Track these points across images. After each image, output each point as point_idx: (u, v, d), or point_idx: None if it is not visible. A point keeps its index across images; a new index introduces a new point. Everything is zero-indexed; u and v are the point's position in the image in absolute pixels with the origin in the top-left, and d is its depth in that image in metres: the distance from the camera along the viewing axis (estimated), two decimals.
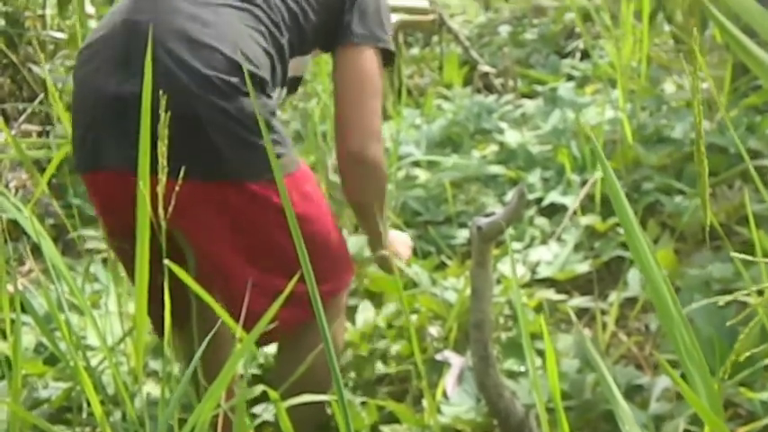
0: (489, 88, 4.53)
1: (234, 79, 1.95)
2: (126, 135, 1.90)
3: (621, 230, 2.69)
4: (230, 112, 1.95)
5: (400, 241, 2.67)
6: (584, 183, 3.00)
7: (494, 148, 3.47)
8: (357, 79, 2.31)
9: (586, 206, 2.91)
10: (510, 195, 2.86)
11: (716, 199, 2.76)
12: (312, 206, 2.19)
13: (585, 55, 4.87)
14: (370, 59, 2.32)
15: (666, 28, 4.56)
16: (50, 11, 4.08)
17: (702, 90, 3.65)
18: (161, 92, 1.42)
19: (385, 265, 2.53)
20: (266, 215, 2.06)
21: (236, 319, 1.66)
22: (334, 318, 2.30)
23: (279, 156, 2.05)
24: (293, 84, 2.37)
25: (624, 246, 2.67)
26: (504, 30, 6.09)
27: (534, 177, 3.13)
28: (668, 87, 3.97)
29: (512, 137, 3.45)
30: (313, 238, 2.05)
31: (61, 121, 2.43)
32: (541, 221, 3.01)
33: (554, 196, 2.97)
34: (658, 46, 4.59)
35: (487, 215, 2.43)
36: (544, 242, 2.93)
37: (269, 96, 2.09)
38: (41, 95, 3.70)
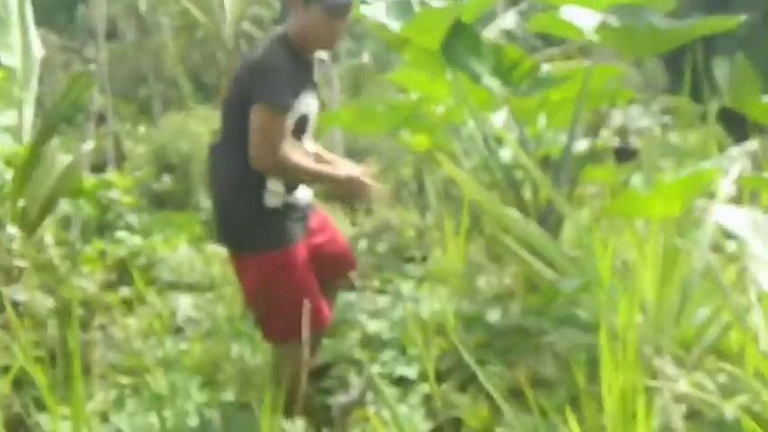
0: (352, 287, 4.38)
1: None
2: None
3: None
4: None
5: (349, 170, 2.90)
6: (423, 357, 3.02)
7: (356, 335, 3.48)
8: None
9: (428, 374, 2.91)
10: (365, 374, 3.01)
11: (518, 367, 2.88)
12: (276, 279, 2.75)
13: (424, 259, 4.92)
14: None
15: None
16: (16, 245, 3.78)
17: (507, 285, 3.80)
18: None
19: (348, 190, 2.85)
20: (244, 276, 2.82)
21: None
22: (287, 354, 2.77)
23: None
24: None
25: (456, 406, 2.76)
26: (363, 244, 6.04)
27: (386, 356, 3.15)
28: (482, 283, 4.03)
29: (369, 326, 3.47)
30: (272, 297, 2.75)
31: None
32: (391, 391, 2.99)
33: (401, 369, 3.01)
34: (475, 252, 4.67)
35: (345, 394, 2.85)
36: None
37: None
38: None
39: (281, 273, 2.76)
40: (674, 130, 5.51)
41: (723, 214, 2.57)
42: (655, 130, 6.77)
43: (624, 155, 9.23)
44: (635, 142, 10.73)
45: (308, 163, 2.80)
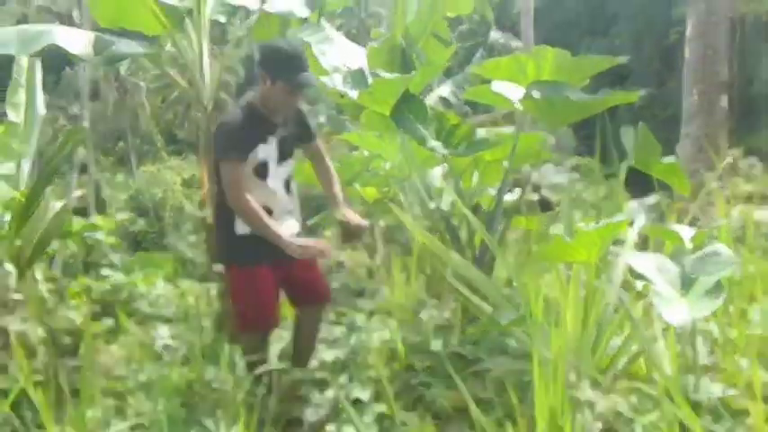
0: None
1: None
2: None
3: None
4: None
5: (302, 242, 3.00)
6: (376, 381, 3.02)
7: (315, 362, 3.37)
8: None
9: (381, 395, 2.92)
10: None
11: (459, 389, 2.77)
12: (240, 289, 3.13)
13: (374, 295, 4.85)
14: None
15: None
16: (12, 281, 3.76)
17: (447, 317, 3.76)
18: None
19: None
20: None
21: None
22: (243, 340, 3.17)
23: None
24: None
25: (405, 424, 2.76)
26: None
27: (342, 380, 3.07)
28: (425, 315, 3.96)
29: (327, 354, 3.36)
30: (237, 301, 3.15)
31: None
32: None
33: (356, 392, 2.95)
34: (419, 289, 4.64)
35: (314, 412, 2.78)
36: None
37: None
38: None
39: (244, 285, 3.10)
40: (582, 186, 5.64)
41: (633, 258, 2.65)
42: (568, 186, 6.92)
43: (541, 206, 9.41)
44: (549, 195, 10.95)
45: (261, 215, 2.95)
